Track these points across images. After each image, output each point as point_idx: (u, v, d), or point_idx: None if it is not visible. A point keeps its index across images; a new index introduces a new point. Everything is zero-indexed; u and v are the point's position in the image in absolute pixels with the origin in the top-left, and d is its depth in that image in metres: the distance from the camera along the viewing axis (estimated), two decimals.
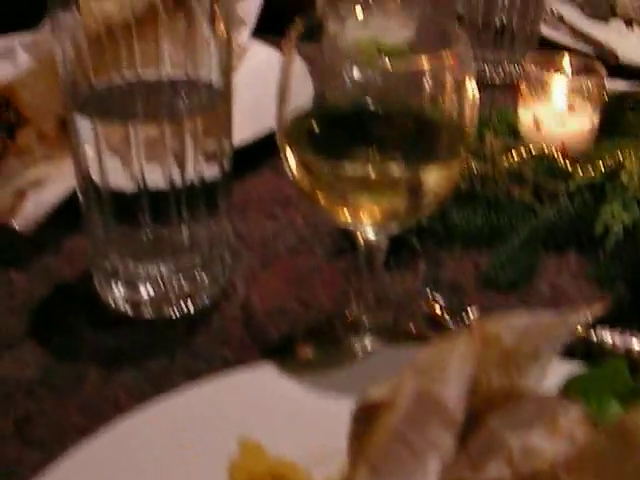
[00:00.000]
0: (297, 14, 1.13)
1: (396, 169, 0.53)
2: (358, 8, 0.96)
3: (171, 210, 0.63)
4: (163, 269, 0.65)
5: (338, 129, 0.57)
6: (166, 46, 0.61)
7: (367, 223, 0.56)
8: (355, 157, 0.54)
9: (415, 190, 0.54)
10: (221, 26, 0.62)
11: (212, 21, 0.61)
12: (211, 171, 0.64)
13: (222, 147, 0.65)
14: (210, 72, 0.62)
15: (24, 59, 0.75)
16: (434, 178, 0.54)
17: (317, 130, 0.57)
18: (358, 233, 0.58)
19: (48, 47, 0.76)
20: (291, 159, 0.56)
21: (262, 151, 0.84)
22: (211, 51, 0.62)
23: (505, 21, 1.11)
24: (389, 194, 0.54)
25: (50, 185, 0.75)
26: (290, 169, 0.56)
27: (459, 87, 0.54)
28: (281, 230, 0.77)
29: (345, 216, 0.56)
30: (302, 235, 0.76)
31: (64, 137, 0.81)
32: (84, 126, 0.61)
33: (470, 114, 0.55)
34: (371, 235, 0.57)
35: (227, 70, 0.64)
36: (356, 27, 0.96)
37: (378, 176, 0.53)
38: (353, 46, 0.95)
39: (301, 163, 0.56)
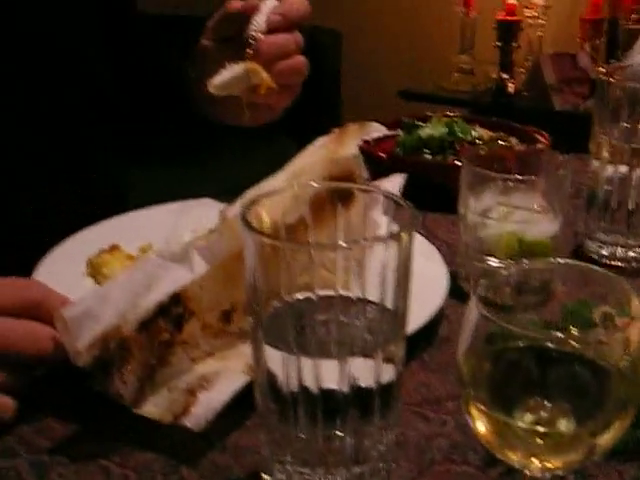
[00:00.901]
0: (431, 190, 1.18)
1: (566, 425, 0.56)
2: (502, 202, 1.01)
3: (345, 414, 0.67)
4: (334, 477, 0.69)
5: (505, 370, 0.61)
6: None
7: (533, 466, 0.59)
8: (523, 405, 0.57)
9: (587, 446, 0.57)
10: (404, 238, 0.65)
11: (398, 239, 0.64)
12: (387, 373, 0.68)
13: (397, 350, 0.69)
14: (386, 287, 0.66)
15: (199, 264, 0.80)
16: (607, 434, 0.57)
17: (487, 370, 0.61)
18: (524, 470, 0.61)
19: (220, 251, 0.82)
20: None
21: (409, 346, 0.88)
22: (389, 269, 0.65)
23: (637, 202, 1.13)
24: (559, 446, 0.57)
25: (219, 383, 0.81)
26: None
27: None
28: (433, 434, 0.80)
29: (510, 457, 0.60)
30: (455, 440, 0.79)
31: (227, 328, 0.87)
32: (267, 349, 0.66)
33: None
34: (537, 473, 0.61)
35: (406, 286, 0.68)
36: (499, 220, 1.01)
37: (547, 429, 0.56)
38: (495, 241, 0.99)
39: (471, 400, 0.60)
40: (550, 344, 0.59)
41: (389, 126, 1.41)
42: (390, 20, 3.41)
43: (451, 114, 1.47)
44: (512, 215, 1.02)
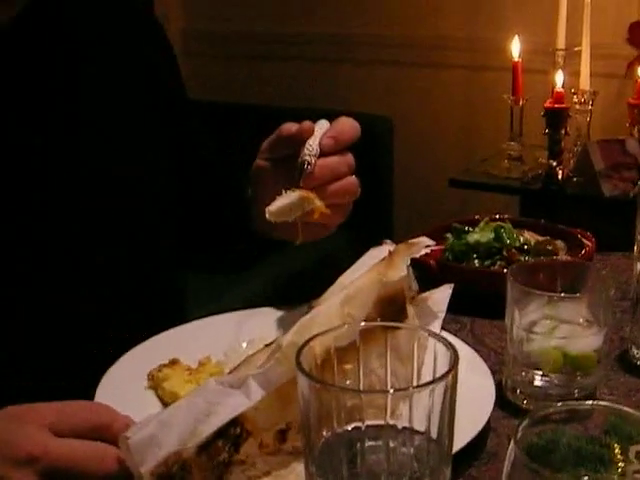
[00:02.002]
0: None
1: None
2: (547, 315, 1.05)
3: None
4: None
5: None
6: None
7: None
8: None
9: None
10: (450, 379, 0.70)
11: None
12: None
13: (444, 473, 0.73)
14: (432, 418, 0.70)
15: (256, 391, 0.85)
16: None
17: None
18: None
19: (276, 378, 0.86)
20: None
21: (456, 462, 0.91)
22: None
23: None
24: None
25: None
26: None
27: None
28: None
29: None
30: None
31: (282, 447, 0.90)
32: None
33: None
34: None
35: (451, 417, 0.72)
36: (544, 335, 1.04)
37: None
38: (541, 356, 1.03)
39: None
40: None
41: (438, 230, 1.46)
42: (440, 108, 3.48)
43: (498, 217, 1.51)
44: (557, 330, 1.05)
